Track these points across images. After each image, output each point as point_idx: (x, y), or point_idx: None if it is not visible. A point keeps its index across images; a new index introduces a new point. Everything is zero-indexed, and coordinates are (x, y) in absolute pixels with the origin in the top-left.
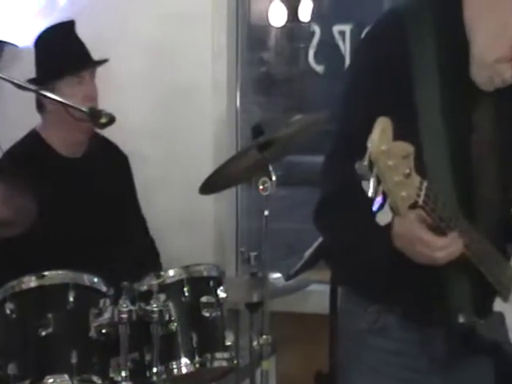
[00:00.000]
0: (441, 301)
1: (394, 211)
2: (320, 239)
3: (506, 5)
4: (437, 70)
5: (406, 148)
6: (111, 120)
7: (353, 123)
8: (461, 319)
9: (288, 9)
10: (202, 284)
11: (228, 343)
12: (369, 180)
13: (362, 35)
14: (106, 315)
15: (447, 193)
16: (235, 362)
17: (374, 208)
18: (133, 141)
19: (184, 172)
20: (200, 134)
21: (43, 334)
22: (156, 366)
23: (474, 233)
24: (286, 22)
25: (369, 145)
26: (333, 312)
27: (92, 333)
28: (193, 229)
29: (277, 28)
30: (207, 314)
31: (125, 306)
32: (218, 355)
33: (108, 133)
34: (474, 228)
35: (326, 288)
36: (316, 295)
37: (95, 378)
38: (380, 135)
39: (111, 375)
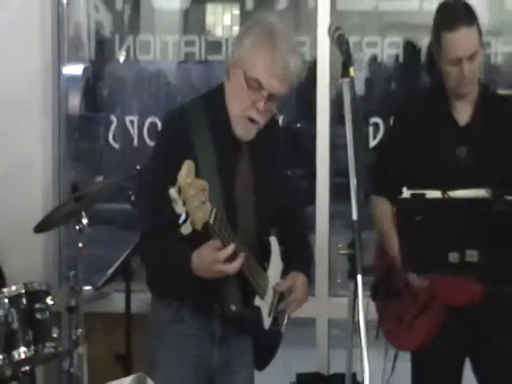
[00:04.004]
0: (218, 298)
1: (193, 226)
2: (118, 262)
3: (239, 75)
4: (211, 138)
5: (203, 184)
6: None
7: (158, 179)
8: (232, 308)
9: (91, 101)
10: (35, 295)
11: (54, 336)
12: (177, 202)
13: (146, 123)
14: None
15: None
16: (59, 348)
17: (180, 221)
18: None
19: (21, 217)
20: (33, 195)
21: None
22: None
23: (243, 248)
24: (90, 112)
25: (178, 178)
26: (127, 311)
27: None
28: (29, 256)
29: (86, 117)
30: (40, 316)
31: None
32: (48, 344)
33: None
34: (243, 245)
35: (122, 295)
36: (116, 300)
37: None
38: (187, 172)
39: None
